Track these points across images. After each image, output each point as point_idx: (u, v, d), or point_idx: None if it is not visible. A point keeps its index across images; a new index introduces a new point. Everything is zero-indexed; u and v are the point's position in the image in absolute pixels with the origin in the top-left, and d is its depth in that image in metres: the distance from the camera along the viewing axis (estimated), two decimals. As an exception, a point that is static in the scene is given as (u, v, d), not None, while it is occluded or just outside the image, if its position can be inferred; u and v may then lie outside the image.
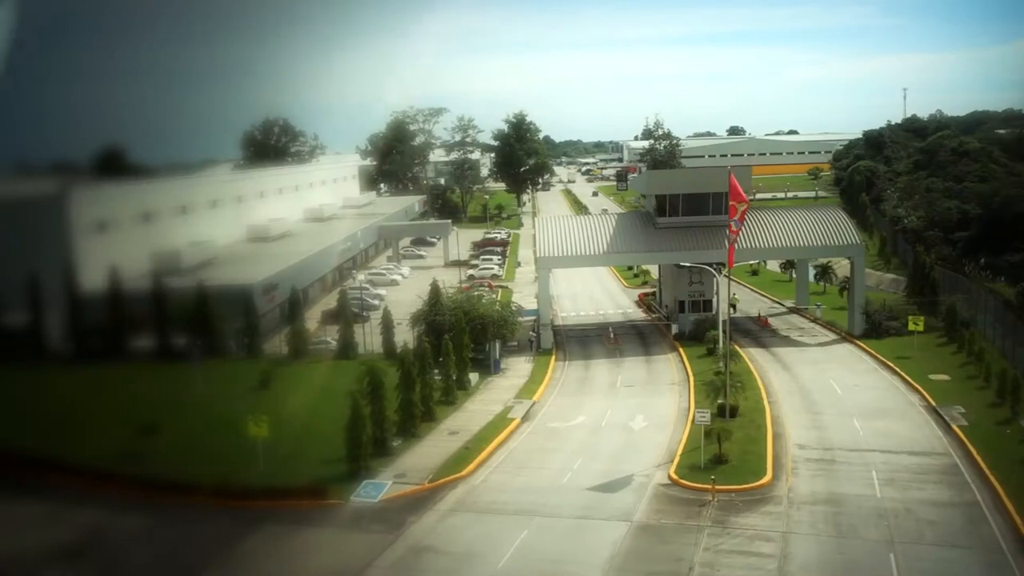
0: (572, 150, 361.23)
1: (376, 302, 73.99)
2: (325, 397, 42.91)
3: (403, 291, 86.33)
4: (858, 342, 56.66)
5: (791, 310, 69.46)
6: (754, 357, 53.77)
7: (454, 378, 47.10)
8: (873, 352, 53.79)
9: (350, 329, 54.49)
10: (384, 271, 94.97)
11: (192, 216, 72.76)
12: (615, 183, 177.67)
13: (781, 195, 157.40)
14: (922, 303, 60.21)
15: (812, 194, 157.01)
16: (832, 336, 59.82)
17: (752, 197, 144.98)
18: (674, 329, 60.17)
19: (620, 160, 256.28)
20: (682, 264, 57.87)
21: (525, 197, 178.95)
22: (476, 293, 59.10)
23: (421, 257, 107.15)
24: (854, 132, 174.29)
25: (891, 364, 50.64)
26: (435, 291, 53.43)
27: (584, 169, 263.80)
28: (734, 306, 73.51)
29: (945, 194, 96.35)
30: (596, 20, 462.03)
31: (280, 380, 47.66)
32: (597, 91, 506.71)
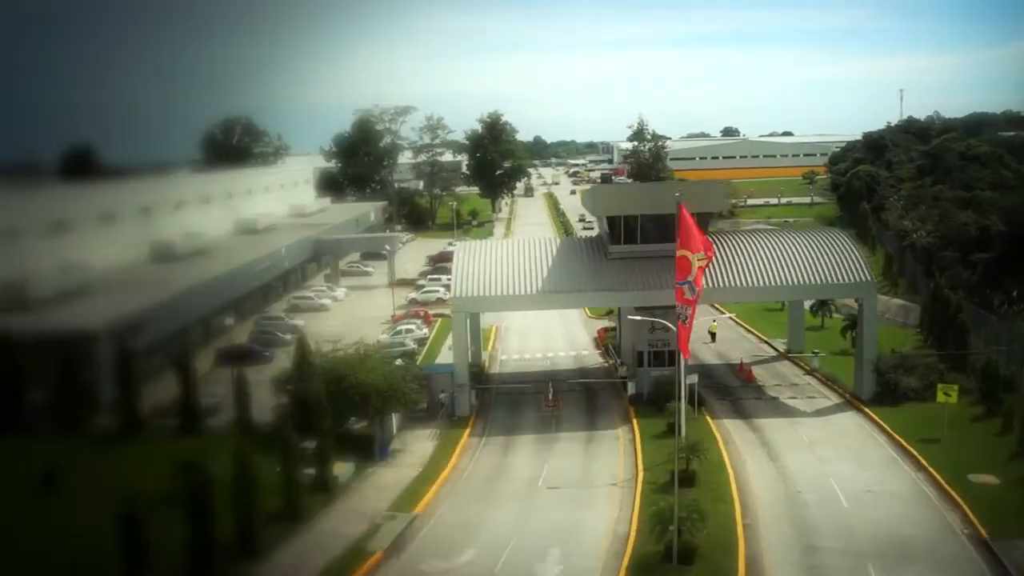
0: (564, 150, 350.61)
1: (288, 337, 59.57)
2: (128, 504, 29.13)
3: (332, 318, 72.92)
4: (867, 410, 43.45)
5: (782, 355, 56.23)
6: (730, 436, 40.45)
7: (313, 475, 33.87)
8: (888, 429, 40.52)
9: (194, 392, 41.07)
10: (313, 294, 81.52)
11: (70, 234, 59.50)
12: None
13: (774, 201, 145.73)
14: (948, 356, 47.10)
15: (807, 200, 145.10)
16: (833, 399, 46.50)
17: (742, 203, 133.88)
18: (630, 389, 46.74)
19: (610, 161, 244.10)
20: (634, 315, 42.62)
21: (504, 202, 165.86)
22: (359, 351, 42.87)
23: (368, 274, 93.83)
24: (850, 134, 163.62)
25: (914, 451, 37.43)
26: (302, 350, 39.81)
27: (571, 171, 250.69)
28: (713, 335, 60.57)
29: (957, 204, 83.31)
30: (592, 19, 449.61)
31: (83, 471, 34.28)
32: (592, 91, 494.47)
